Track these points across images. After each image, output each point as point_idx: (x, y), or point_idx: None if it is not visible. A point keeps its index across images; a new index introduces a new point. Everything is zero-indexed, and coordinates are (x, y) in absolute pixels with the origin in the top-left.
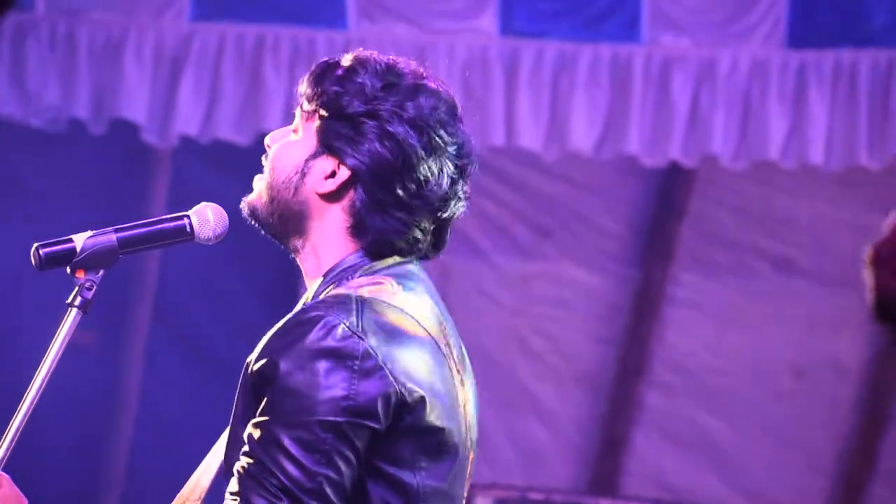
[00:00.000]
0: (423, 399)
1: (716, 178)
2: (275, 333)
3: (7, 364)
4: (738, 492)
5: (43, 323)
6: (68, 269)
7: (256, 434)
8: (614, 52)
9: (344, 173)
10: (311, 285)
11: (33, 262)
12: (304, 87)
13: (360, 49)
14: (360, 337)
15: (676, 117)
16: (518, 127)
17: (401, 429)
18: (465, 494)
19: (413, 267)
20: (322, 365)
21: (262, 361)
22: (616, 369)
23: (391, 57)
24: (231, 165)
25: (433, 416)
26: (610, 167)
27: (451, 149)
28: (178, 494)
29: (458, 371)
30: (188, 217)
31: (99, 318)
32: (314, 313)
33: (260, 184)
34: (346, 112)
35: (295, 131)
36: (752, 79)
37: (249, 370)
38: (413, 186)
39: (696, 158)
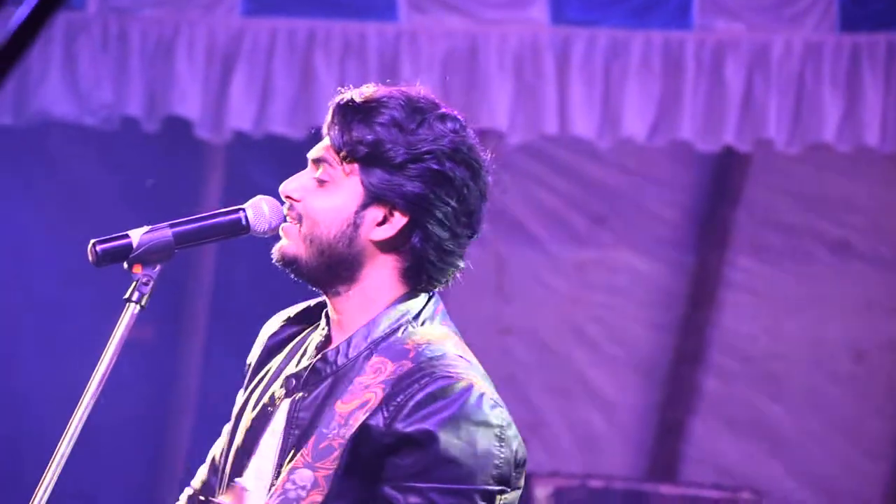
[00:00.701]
0: (525, 462)
1: (770, 162)
2: (424, 398)
3: (63, 361)
4: (796, 476)
5: (100, 319)
6: (125, 265)
7: (410, 496)
8: (666, 38)
9: (400, 219)
10: (353, 335)
11: (90, 258)
12: (331, 135)
13: (374, 86)
14: (501, 406)
15: (730, 102)
16: (571, 115)
17: (514, 492)
18: None
19: (438, 299)
20: (477, 434)
21: (411, 427)
22: (672, 356)
23: (400, 87)
24: (284, 160)
25: (522, 478)
26: (664, 153)
27: (483, 170)
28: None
29: None
30: (244, 210)
31: (156, 316)
32: (457, 378)
33: (295, 236)
34: (391, 161)
35: (324, 182)
36: (805, 63)
37: (383, 431)
38: (465, 219)
39: (750, 143)
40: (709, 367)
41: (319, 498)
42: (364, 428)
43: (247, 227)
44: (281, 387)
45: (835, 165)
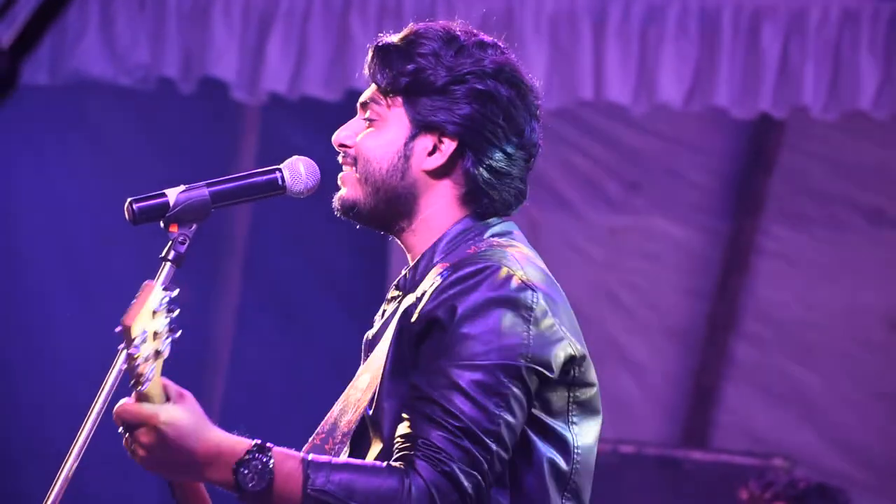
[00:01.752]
0: (584, 356)
1: (806, 129)
2: (449, 281)
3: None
4: (829, 443)
5: (136, 277)
6: (162, 224)
7: (431, 378)
8: (702, 4)
9: (449, 145)
10: (419, 258)
11: (127, 216)
12: (375, 76)
13: (411, 24)
14: (532, 289)
15: (766, 69)
16: (606, 81)
17: (565, 382)
18: None
19: (517, 231)
20: (501, 312)
21: (436, 309)
22: (705, 322)
23: (439, 22)
24: (320, 122)
25: (590, 373)
26: (699, 120)
27: (530, 91)
28: (316, 433)
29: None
30: (280, 170)
31: (190, 275)
32: (487, 262)
33: (351, 180)
34: (433, 86)
35: (373, 122)
36: (842, 30)
37: (415, 318)
38: (515, 138)
39: (786, 110)
40: (742, 334)
41: (369, 397)
42: (403, 318)
43: (283, 188)
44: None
45: (871, 133)
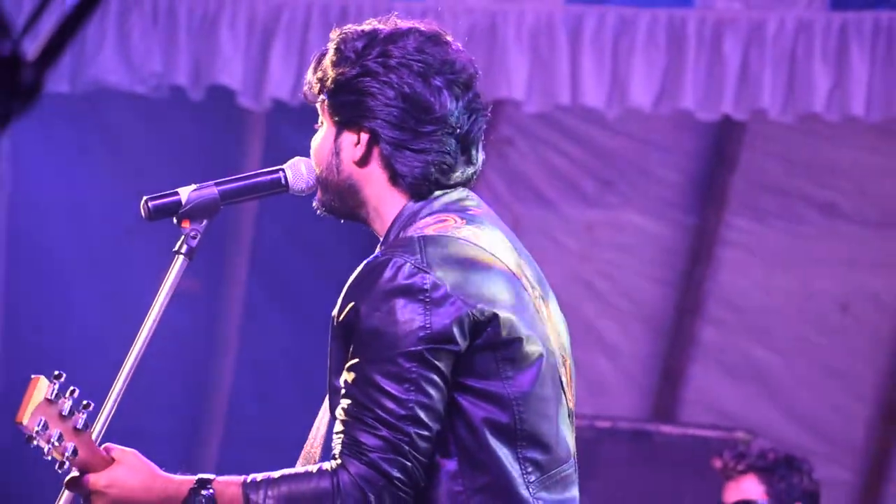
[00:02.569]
0: (495, 315)
1: (765, 130)
2: (351, 283)
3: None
4: (787, 418)
5: (152, 271)
6: (175, 220)
7: (350, 377)
8: (670, 15)
9: (364, 136)
10: (378, 245)
11: (143, 213)
12: (308, 82)
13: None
14: (425, 272)
15: (728, 75)
16: (582, 86)
17: (480, 346)
18: (573, 396)
19: (465, 197)
20: (396, 303)
21: (345, 311)
22: (674, 308)
23: (374, 21)
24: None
25: (508, 329)
26: (667, 122)
27: (445, 68)
28: (306, 443)
29: (533, 288)
30: (283, 170)
31: (200, 269)
32: (382, 257)
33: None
34: (341, 82)
35: (318, 126)
36: (797, 39)
37: (335, 322)
38: (424, 115)
39: (746, 112)
40: (707, 319)
41: (329, 400)
42: (332, 321)
43: (286, 186)
44: None
45: (824, 133)
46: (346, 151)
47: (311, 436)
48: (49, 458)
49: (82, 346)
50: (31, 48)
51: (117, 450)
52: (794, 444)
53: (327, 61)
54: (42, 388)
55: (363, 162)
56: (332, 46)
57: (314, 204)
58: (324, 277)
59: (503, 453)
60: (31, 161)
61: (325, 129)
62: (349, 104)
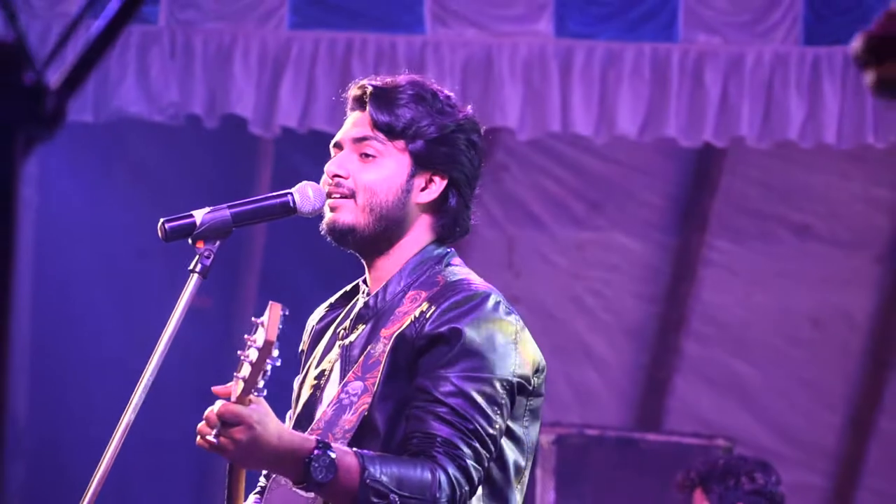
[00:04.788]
0: (544, 368)
1: (743, 156)
2: (447, 306)
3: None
4: (763, 426)
5: (169, 288)
6: (190, 241)
7: (439, 383)
8: (654, 49)
9: (440, 183)
10: (387, 282)
11: (160, 234)
12: (374, 117)
13: (404, 73)
14: (514, 313)
15: (709, 104)
16: (572, 115)
17: (526, 392)
18: None
19: (453, 251)
20: (497, 333)
21: (439, 327)
22: (658, 322)
23: (407, 76)
24: (325, 152)
25: (543, 384)
26: (652, 148)
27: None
28: (311, 428)
29: None
30: (291, 194)
31: (213, 288)
32: (477, 290)
33: (350, 207)
34: (430, 132)
35: (372, 157)
36: (773, 71)
37: (415, 336)
38: (476, 181)
39: (726, 139)
40: (689, 333)
41: (368, 400)
42: (400, 337)
43: (294, 209)
44: (335, 354)
45: (798, 159)
46: (415, 192)
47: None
48: (254, 377)
49: (103, 357)
50: (55, 78)
51: (255, 397)
52: (770, 450)
53: (410, 107)
54: (278, 313)
55: (428, 207)
56: (413, 93)
57: (328, 225)
58: (328, 294)
59: (513, 492)
60: (57, 185)
61: (388, 162)
62: (443, 153)
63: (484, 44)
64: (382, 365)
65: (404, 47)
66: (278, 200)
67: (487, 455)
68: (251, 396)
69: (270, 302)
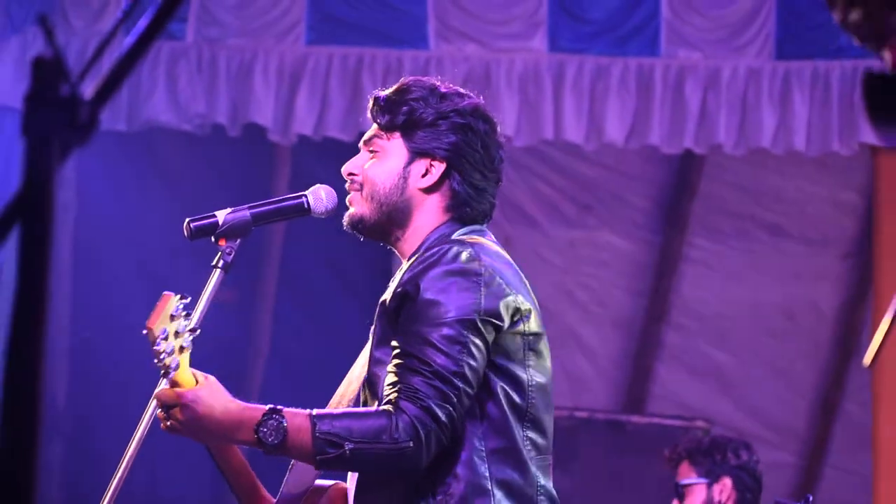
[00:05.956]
0: (530, 309)
1: (721, 162)
2: (412, 266)
3: None
4: (739, 410)
5: (198, 282)
6: (213, 239)
7: (407, 339)
8: (639, 64)
9: (439, 167)
10: (407, 260)
11: (185, 233)
12: (376, 118)
13: (403, 78)
14: (479, 260)
15: (689, 114)
16: (564, 124)
17: (514, 330)
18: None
19: (484, 229)
20: (455, 281)
21: (404, 286)
22: (643, 315)
23: (427, 78)
24: (339, 157)
25: (536, 324)
26: (637, 155)
27: (498, 131)
28: (328, 404)
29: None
30: (306, 196)
31: (235, 283)
32: (441, 247)
33: (358, 200)
34: (424, 122)
35: (376, 153)
36: (748, 84)
37: (391, 296)
38: (488, 161)
39: (705, 147)
40: (672, 324)
41: (367, 368)
42: (382, 304)
43: (308, 210)
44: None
45: (771, 165)
46: (414, 178)
47: (334, 400)
48: (158, 365)
49: (137, 348)
50: (88, 89)
51: (202, 374)
52: (746, 431)
53: (405, 102)
54: (171, 304)
55: (430, 189)
56: (406, 91)
57: (345, 219)
58: (345, 289)
59: (515, 427)
60: (93, 189)
61: (390, 155)
62: (432, 139)
63: (483, 59)
64: (372, 334)
65: (410, 62)
66: (294, 202)
67: (455, 392)
68: (200, 377)
69: (164, 292)
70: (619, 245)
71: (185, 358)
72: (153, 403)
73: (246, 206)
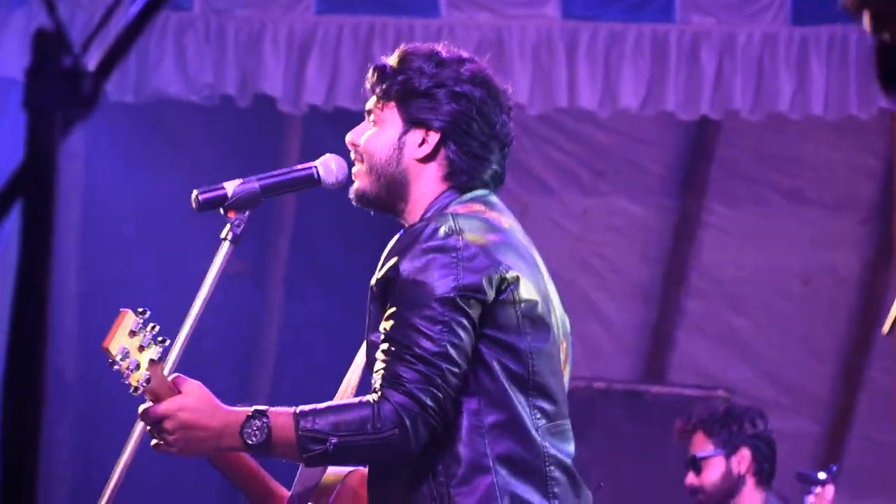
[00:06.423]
0: (517, 277)
1: (738, 127)
2: (391, 247)
3: (175, 287)
4: (760, 377)
5: (206, 254)
6: (221, 211)
7: (390, 323)
8: (654, 30)
9: (434, 137)
10: None
11: (193, 205)
12: (373, 88)
13: (403, 45)
14: (458, 234)
15: (705, 80)
16: (578, 91)
17: (503, 301)
18: (567, 375)
19: (494, 197)
20: (433, 258)
21: (385, 268)
22: (661, 282)
23: (427, 44)
24: (350, 126)
25: (527, 291)
26: (652, 121)
27: (501, 94)
28: (336, 396)
29: (544, 273)
30: (315, 167)
31: (248, 253)
32: (420, 223)
33: (360, 173)
34: (419, 90)
35: (375, 123)
36: (764, 49)
37: (375, 282)
38: (487, 128)
39: (721, 112)
40: (690, 291)
41: (367, 354)
42: (370, 289)
43: (318, 180)
44: None
45: (789, 130)
46: (410, 148)
47: (342, 388)
48: (126, 382)
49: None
50: (92, 61)
51: (184, 381)
52: (767, 399)
53: (401, 71)
54: (128, 321)
55: (426, 158)
56: (402, 59)
57: (350, 194)
58: (356, 258)
59: (517, 398)
60: (102, 160)
61: (386, 125)
62: (426, 108)
63: (495, 26)
64: (367, 318)
65: (421, 30)
66: (303, 173)
67: (439, 373)
68: (183, 384)
69: (121, 309)
70: (634, 211)
71: (158, 370)
72: (139, 426)
73: (255, 177)
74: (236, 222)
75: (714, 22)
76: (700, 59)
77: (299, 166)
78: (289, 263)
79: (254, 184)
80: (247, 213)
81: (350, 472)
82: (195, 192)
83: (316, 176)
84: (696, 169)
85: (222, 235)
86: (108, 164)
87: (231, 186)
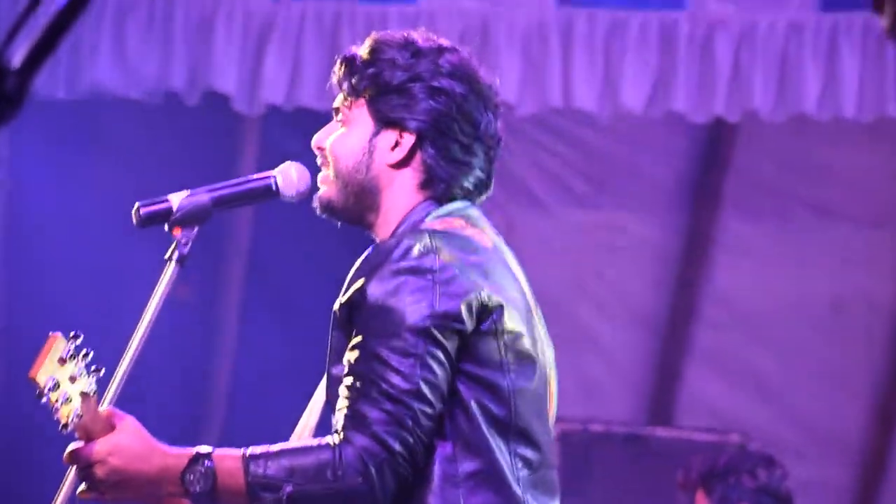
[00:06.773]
0: (501, 305)
1: (757, 131)
2: (358, 266)
3: (113, 311)
4: (782, 419)
5: (146, 278)
6: (166, 227)
7: (354, 354)
8: (661, 18)
9: (409, 139)
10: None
11: (134, 220)
12: (341, 83)
13: (374, 33)
14: (434, 254)
15: (719, 76)
16: (574, 89)
17: (484, 332)
18: (553, 413)
19: (475, 210)
20: (405, 281)
21: (350, 291)
22: (668, 309)
23: (402, 32)
24: (313, 130)
25: (512, 321)
26: (659, 123)
27: (488, 91)
28: (292, 437)
29: (530, 298)
30: (274, 176)
31: (197, 274)
32: (391, 241)
33: (326, 179)
34: (391, 85)
35: (343, 123)
36: (788, 40)
37: (339, 307)
38: (470, 129)
39: (738, 113)
40: (702, 320)
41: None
42: (333, 314)
43: (277, 192)
44: None
45: (815, 134)
46: (382, 151)
47: (298, 429)
48: (55, 416)
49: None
50: (15, 56)
51: (118, 416)
52: (789, 444)
53: (371, 63)
54: (59, 347)
55: (400, 164)
56: (373, 49)
57: (315, 202)
58: (319, 279)
59: (497, 444)
60: (28, 165)
61: (355, 126)
62: (400, 106)
63: (480, 13)
64: (329, 348)
65: (396, 18)
66: (260, 183)
67: (410, 414)
68: (118, 421)
69: (50, 333)
70: (638, 228)
71: (90, 403)
72: (71, 469)
73: (205, 188)
74: (183, 240)
75: (732, 9)
76: (714, 51)
77: (256, 176)
78: (243, 287)
79: (203, 196)
80: (195, 229)
81: None
82: (137, 205)
83: (274, 187)
84: (708, 179)
85: (167, 256)
86: (35, 169)
87: (177, 199)
